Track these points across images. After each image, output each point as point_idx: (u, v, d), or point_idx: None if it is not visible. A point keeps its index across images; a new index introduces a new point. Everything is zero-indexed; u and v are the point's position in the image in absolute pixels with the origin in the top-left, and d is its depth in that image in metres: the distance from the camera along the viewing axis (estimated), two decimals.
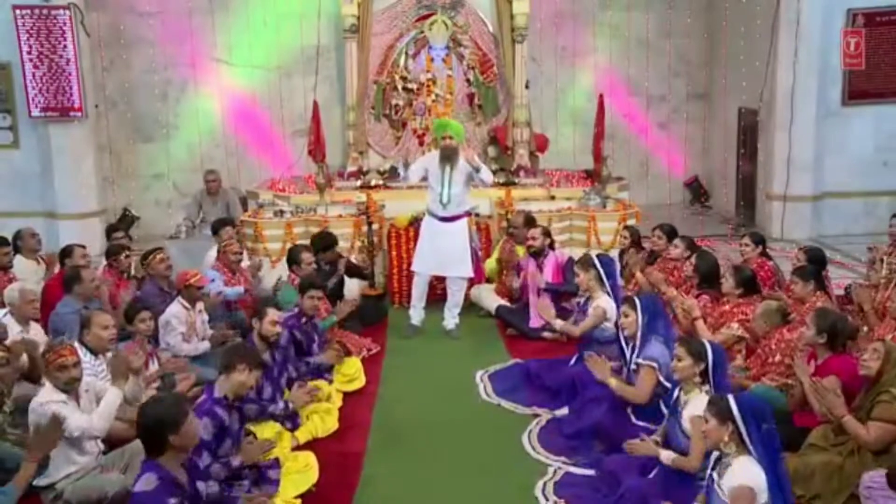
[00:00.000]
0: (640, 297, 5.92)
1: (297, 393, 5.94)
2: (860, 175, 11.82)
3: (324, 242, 8.31)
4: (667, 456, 4.74)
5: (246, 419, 5.16)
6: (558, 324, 7.00)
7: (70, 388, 4.83)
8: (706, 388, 4.77)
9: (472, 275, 8.16)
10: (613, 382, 5.63)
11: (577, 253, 8.79)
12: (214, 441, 4.67)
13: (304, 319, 6.71)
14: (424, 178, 7.94)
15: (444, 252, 7.88)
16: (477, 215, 8.73)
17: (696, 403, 4.66)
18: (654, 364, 5.46)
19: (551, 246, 8.16)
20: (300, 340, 6.58)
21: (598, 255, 7.16)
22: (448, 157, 7.71)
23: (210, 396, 4.84)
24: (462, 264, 7.96)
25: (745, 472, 3.89)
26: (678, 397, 4.93)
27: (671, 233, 8.17)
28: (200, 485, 4.15)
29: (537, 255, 8.03)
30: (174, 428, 3.84)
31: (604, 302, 6.77)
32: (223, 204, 10.79)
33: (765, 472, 3.86)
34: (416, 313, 8.14)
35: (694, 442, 4.63)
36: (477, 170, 7.75)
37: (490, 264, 8.86)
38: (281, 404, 5.79)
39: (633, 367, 5.69)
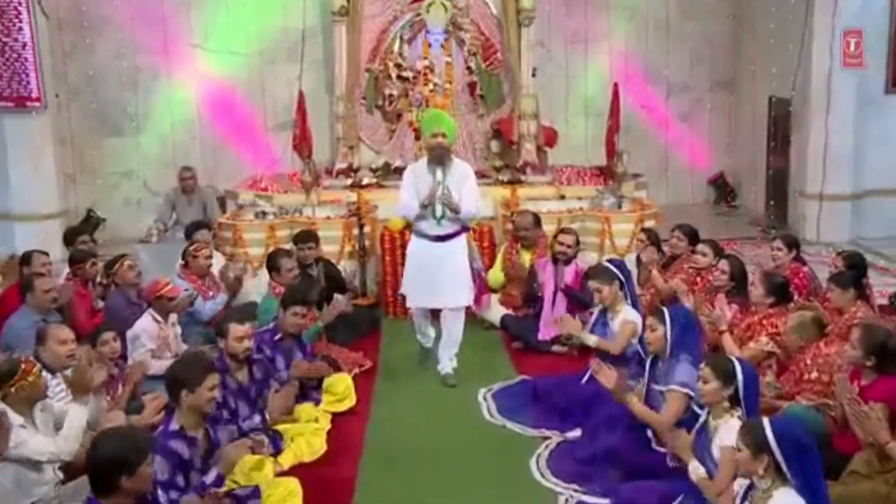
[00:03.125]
0: (670, 308, 5.85)
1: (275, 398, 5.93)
2: None
3: (299, 238, 8.34)
4: (694, 468, 4.73)
5: (217, 445, 5.11)
6: (592, 339, 6.76)
7: (24, 410, 4.78)
8: (737, 412, 4.74)
9: (471, 303, 7.47)
10: (636, 404, 5.57)
11: (591, 259, 8.85)
12: (172, 480, 4.57)
13: (278, 337, 6.61)
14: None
15: (439, 279, 7.13)
16: (472, 230, 8.00)
17: (727, 431, 4.62)
18: (688, 391, 5.36)
19: (576, 255, 8.14)
20: (269, 362, 6.43)
21: (609, 261, 7.16)
22: (439, 158, 7.02)
23: (165, 429, 4.75)
24: (460, 291, 7.22)
25: (787, 499, 3.85)
26: (706, 421, 4.91)
27: (692, 234, 8.16)
28: None
29: (566, 262, 8.01)
30: (129, 470, 3.79)
31: (631, 315, 6.73)
32: (199, 204, 10.82)
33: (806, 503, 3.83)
34: (425, 339, 7.69)
35: (722, 472, 4.61)
36: (456, 211, 7.03)
37: (495, 276, 8.82)
38: (257, 418, 5.77)
39: (663, 389, 5.60)
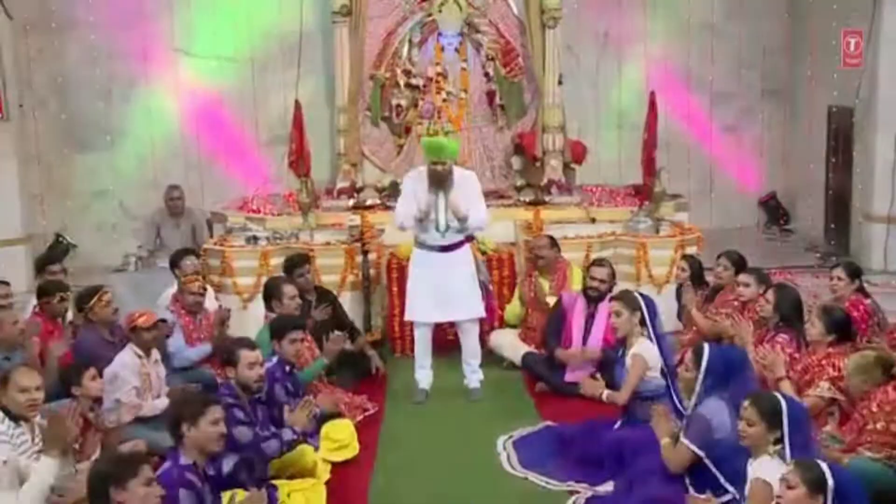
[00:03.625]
0: (712, 349, 5.84)
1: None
2: None
3: (292, 263, 8.46)
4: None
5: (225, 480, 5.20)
6: (605, 395, 6.88)
7: None
8: (778, 448, 4.82)
9: (483, 314, 8.10)
10: (664, 441, 5.69)
11: (623, 288, 8.88)
12: None
13: (287, 369, 6.76)
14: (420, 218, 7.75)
15: (448, 290, 7.76)
16: (474, 239, 8.50)
17: (761, 468, 4.73)
18: (691, 446, 5.51)
19: (610, 289, 8.10)
20: (282, 401, 6.56)
21: (640, 294, 7.22)
22: (439, 182, 7.63)
23: (176, 463, 4.86)
24: (472, 302, 7.90)
25: None
26: (748, 466, 4.97)
27: (739, 262, 8.20)
28: None
29: (598, 300, 8.06)
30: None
31: (643, 349, 6.77)
32: (188, 227, 10.93)
33: None
34: (424, 375, 8.08)
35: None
36: (463, 220, 7.66)
37: (512, 309, 8.88)
38: (278, 440, 5.95)
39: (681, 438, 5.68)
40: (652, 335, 6.87)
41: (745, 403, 4.97)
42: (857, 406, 5.93)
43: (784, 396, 5.06)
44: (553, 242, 8.82)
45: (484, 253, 9.03)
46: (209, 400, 5.10)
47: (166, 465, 4.94)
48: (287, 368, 6.77)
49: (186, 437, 4.88)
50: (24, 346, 6.99)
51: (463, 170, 8.08)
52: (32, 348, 7.15)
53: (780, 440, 4.83)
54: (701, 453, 5.45)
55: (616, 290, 8.47)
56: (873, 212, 11.88)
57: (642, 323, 6.88)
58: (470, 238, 8.03)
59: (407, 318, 8.17)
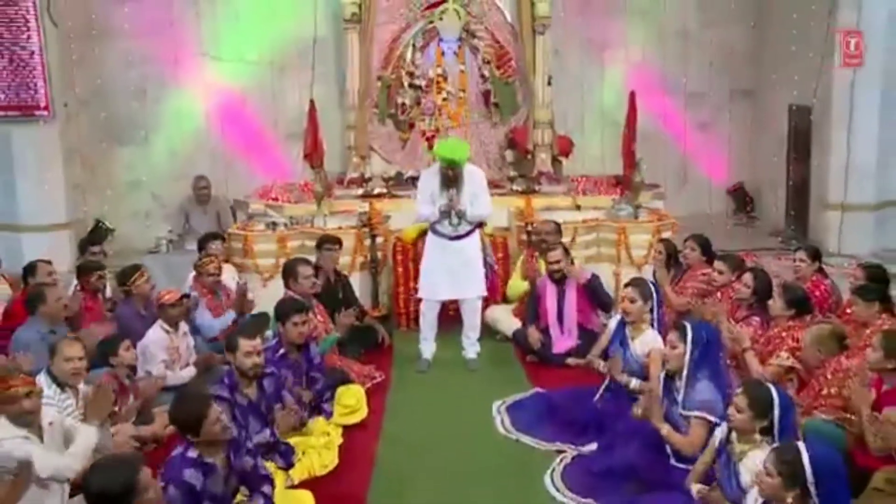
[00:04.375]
0: (693, 325, 5.78)
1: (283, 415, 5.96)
2: None
3: (324, 239, 8.53)
4: (697, 490, 4.74)
5: (235, 470, 4.96)
6: (633, 383, 6.60)
7: (25, 422, 4.82)
8: (768, 440, 4.62)
9: (486, 293, 8.20)
10: (664, 430, 5.51)
11: (605, 269, 8.89)
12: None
13: (281, 351, 6.54)
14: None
15: (456, 272, 7.90)
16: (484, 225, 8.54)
17: (757, 458, 4.51)
18: (707, 416, 5.37)
19: (571, 262, 8.17)
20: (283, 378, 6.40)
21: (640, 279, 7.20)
22: (451, 182, 7.72)
23: (183, 455, 4.62)
24: (477, 282, 8.01)
25: None
26: (729, 439, 4.84)
27: (705, 244, 8.22)
28: None
29: (562, 280, 8.07)
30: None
31: (655, 340, 6.70)
32: (213, 214, 10.94)
33: None
34: (428, 346, 8.16)
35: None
36: (461, 214, 7.75)
37: (516, 286, 8.86)
38: (267, 432, 5.78)
39: (683, 413, 5.59)
40: (655, 322, 6.86)
41: (738, 390, 4.80)
42: (813, 374, 5.96)
43: (775, 388, 4.82)
44: (558, 229, 8.79)
45: (491, 236, 9.04)
46: (204, 403, 4.73)
47: (176, 452, 4.69)
48: (280, 351, 6.51)
49: (193, 440, 4.65)
50: (68, 320, 7.00)
51: (472, 167, 8.08)
52: (79, 321, 7.18)
53: (767, 430, 4.65)
54: (714, 419, 5.28)
55: (597, 267, 8.57)
56: (829, 200, 11.89)
57: (651, 311, 6.87)
58: (480, 225, 8.11)
59: (420, 295, 8.19)
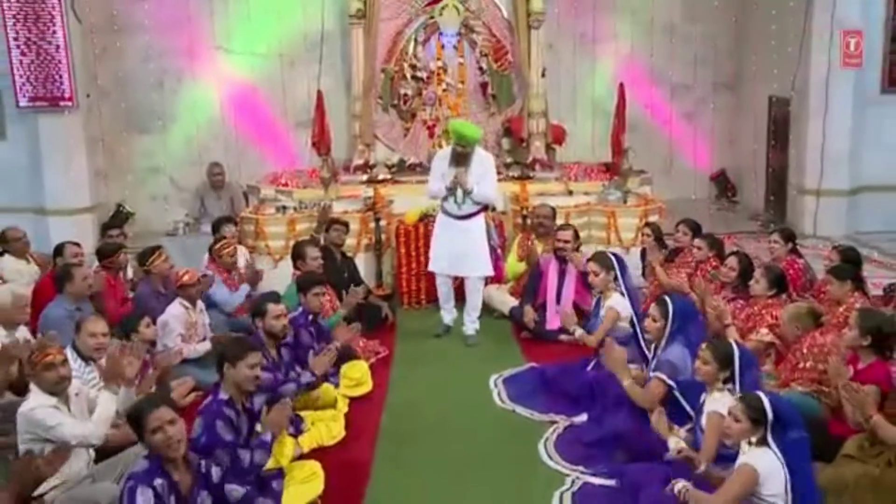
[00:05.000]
0: (674, 300, 5.88)
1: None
2: None
3: (332, 221, 8.59)
4: (675, 443, 4.77)
5: (256, 414, 5.12)
6: (577, 332, 6.97)
7: (59, 389, 4.87)
8: (729, 386, 4.84)
9: (491, 273, 8.20)
10: (626, 382, 5.69)
11: (596, 250, 8.87)
12: (235, 440, 4.75)
13: (310, 317, 6.74)
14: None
15: (461, 251, 7.88)
16: (493, 210, 8.67)
17: (715, 402, 4.78)
18: (663, 377, 5.54)
19: (577, 249, 8.15)
20: (307, 344, 6.55)
21: (612, 253, 7.24)
22: (459, 160, 7.73)
23: (216, 398, 4.89)
24: (481, 263, 7.98)
25: (757, 457, 4.04)
26: (704, 401, 4.98)
27: (696, 228, 8.24)
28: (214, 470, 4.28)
29: (565, 259, 8.05)
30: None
31: (616, 302, 6.83)
32: (227, 198, 10.97)
33: (792, 481, 3.97)
34: (447, 314, 8.24)
35: (708, 439, 4.72)
36: (468, 192, 7.73)
37: (512, 265, 8.85)
38: (295, 383, 5.99)
39: (651, 374, 5.71)
40: (623, 289, 6.89)
41: (703, 346, 4.99)
42: (790, 349, 5.97)
43: (736, 343, 5.10)
44: (554, 213, 8.77)
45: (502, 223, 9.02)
46: (251, 346, 5.09)
47: (208, 399, 4.96)
48: (310, 317, 6.74)
49: (226, 375, 4.90)
50: (92, 298, 7.01)
51: (482, 151, 8.08)
52: (103, 299, 7.19)
53: (729, 379, 4.85)
54: (672, 383, 5.50)
55: (587, 248, 8.56)
56: (805, 186, 11.90)
57: (615, 279, 6.90)
58: (486, 208, 8.11)
59: (429, 268, 8.25)
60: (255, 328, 6.17)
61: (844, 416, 5.10)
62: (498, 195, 8.24)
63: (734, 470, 4.11)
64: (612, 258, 7.05)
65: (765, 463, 4.02)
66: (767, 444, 4.05)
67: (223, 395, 4.89)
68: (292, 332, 6.31)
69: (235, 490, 4.32)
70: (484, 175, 7.79)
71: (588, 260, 7.33)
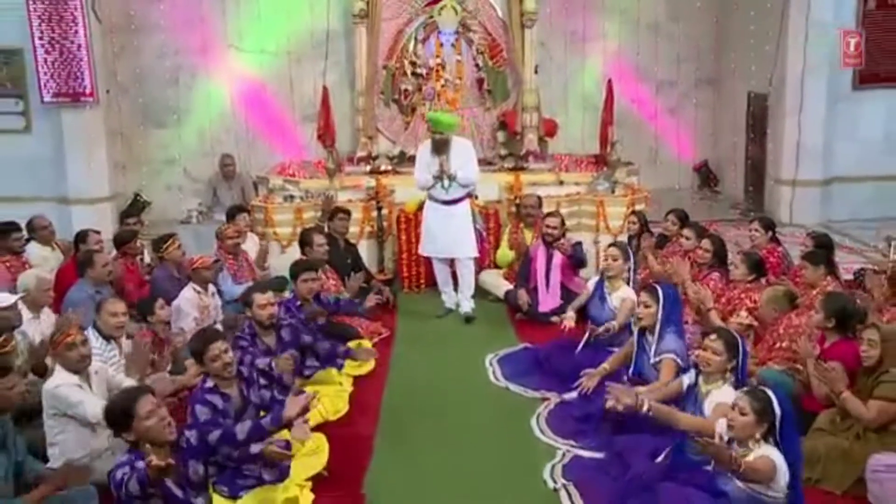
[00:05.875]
0: (662, 287, 5.86)
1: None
2: (870, 160, 11.75)
3: (336, 210, 8.57)
4: (720, 426, 4.76)
5: (251, 404, 5.03)
6: (612, 325, 6.63)
7: (81, 367, 4.90)
8: (731, 379, 4.80)
9: (477, 255, 8.22)
10: (657, 406, 5.17)
11: (585, 238, 8.88)
12: (215, 420, 4.67)
13: (299, 303, 6.66)
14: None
15: (449, 234, 8.00)
16: (475, 198, 8.57)
17: (720, 394, 4.71)
18: (677, 359, 5.48)
19: (563, 235, 8.14)
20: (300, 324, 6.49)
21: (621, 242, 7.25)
22: (439, 148, 7.84)
23: (202, 386, 4.89)
24: (467, 245, 8.07)
25: (776, 454, 4.04)
26: (697, 384, 4.95)
27: (684, 218, 8.22)
28: (191, 463, 4.27)
29: (552, 244, 8.03)
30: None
31: (628, 293, 6.77)
32: (238, 188, 10.98)
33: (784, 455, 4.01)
34: (447, 296, 8.32)
35: (711, 420, 4.65)
36: (451, 178, 7.84)
37: (503, 254, 8.83)
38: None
39: (654, 360, 5.64)
40: (632, 280, 6.90)
41: (713, 337, 4.89)
42: (768, 330, 5.99)
43: (737, 333, 5.05)
44: (540, 202, 8.75)
45: (484, 208, 9.02)
46: (211, 337, 4.94)
47: (198, 386, 4.96)
48: (298, 303, 6.65)
49: (204, 368, 4.91)
50: (111, 282, 7.02)
51: (461, 139, 8.26)
52: (121, 283, 7.20)
53: (733, 369, 4.82)
54: (682, 363, 5.46)
55: (576, 236, 8.57)
56: (782, 177, 11.89)
57: (628, 270, 6.93)
58: (471, 195, 8.17)
59: (420, 251, 8.39)
60: (246, 317, 6.12)
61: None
62: (479, 177, 8.25)
63: (758, 462, 4.04)
64: (630, 250, 7.13)
65: (780, 461, 4.02)
66: (776, 444, 4.05)
67: (209, 383, 4.86)
68: (280, 316, 6.20)
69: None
70: (466, 161, 7.91)
71: (610, 245, 7.31)
